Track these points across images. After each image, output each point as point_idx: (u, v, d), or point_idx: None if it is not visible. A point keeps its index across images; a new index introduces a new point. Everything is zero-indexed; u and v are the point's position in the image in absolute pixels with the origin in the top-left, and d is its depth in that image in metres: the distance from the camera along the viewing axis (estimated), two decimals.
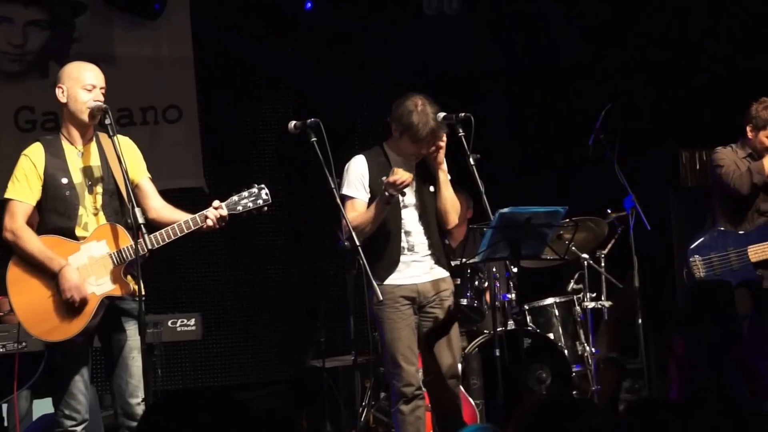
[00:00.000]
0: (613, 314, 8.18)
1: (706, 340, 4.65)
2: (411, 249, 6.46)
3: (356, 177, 6.47)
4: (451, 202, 6.52)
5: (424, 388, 6.31)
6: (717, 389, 4.22)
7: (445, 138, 6.44)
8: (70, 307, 5.60)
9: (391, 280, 6.37)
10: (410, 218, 6.48)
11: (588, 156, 7.78)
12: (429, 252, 6.49)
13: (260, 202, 5.83)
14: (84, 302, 5.60)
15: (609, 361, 8.51)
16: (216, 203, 5.77)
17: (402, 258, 6.43)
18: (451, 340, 6.33)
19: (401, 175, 6.22)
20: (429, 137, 6.35)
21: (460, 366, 7.52)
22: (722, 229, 7.45)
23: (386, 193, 6.25)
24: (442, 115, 6.46)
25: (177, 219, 5.74)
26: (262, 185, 5.85)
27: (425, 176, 6.51)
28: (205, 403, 3.05)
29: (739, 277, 7.26)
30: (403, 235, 6.45)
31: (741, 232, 7.39)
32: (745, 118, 7.49)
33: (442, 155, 6.48)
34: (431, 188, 6.51)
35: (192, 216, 5.74)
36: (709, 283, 6.86)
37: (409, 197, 6.48)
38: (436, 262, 6.49)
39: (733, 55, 9.10)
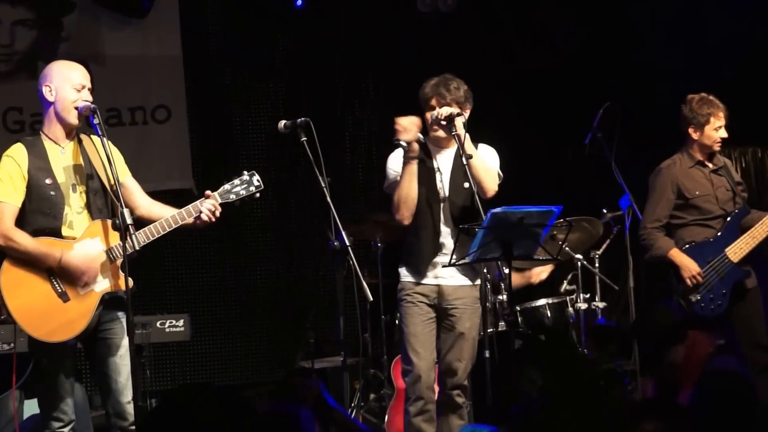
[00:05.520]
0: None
1: None
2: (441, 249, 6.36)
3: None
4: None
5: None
6: None
7: None
8: (70, 306, 5.56)
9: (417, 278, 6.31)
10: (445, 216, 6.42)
11: (585, 155, 7.73)
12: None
13: (252, 188, 5.79)
14: (91, 296, 5.58)
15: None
16: (207, 192, 5.72)
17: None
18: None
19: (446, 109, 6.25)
20: None
21: None
22: (693, 243, 7.28)
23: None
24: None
25: (166, 215, 5.70)
26: (253, 171, 5.81)
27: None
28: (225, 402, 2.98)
29: (729, 282, 7.16)
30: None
31: (711, 239, 7.26)
32: (682, 124, 7.29)
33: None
34: (465, 184, 6.36)
35: (182, 209, 5.69)
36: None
37: (444, 190, 6.41)
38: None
39: (734, 54, 9.06)
